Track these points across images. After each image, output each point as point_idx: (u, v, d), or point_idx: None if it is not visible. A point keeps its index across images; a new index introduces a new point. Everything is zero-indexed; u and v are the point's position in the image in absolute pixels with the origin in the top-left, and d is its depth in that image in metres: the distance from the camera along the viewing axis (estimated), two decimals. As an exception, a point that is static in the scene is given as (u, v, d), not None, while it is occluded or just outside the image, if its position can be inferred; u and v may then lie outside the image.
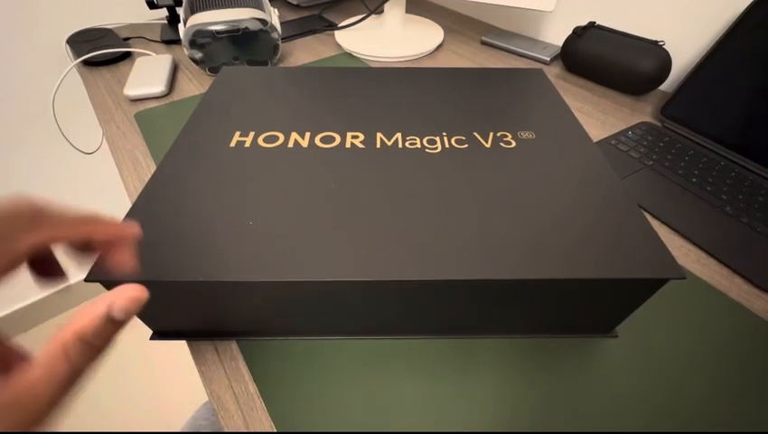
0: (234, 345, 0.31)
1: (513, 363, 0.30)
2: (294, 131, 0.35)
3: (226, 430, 0.27)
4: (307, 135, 0.35)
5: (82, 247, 0.19)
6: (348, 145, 0.34)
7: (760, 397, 0.28)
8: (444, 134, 0.36)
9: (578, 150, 0.34)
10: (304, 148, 0.33)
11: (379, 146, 0.34)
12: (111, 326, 0.16)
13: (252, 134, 0.35)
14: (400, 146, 0.34)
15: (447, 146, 0.34)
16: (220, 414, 0.27)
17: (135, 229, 0.21)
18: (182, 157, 0.32)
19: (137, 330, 0.32)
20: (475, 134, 0.36)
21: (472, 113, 0.39)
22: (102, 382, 1.05)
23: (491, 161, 0.33)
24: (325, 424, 0.27)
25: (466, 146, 0.34)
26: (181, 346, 0.32)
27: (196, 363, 0.30)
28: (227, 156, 0.32)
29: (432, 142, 0.35)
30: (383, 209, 0.28)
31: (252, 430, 0.27)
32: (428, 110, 0.39)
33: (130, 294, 0.16)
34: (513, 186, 0.30)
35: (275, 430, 0.27)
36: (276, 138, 0.35)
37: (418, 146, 0.34)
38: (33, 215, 0.16)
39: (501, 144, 0.35)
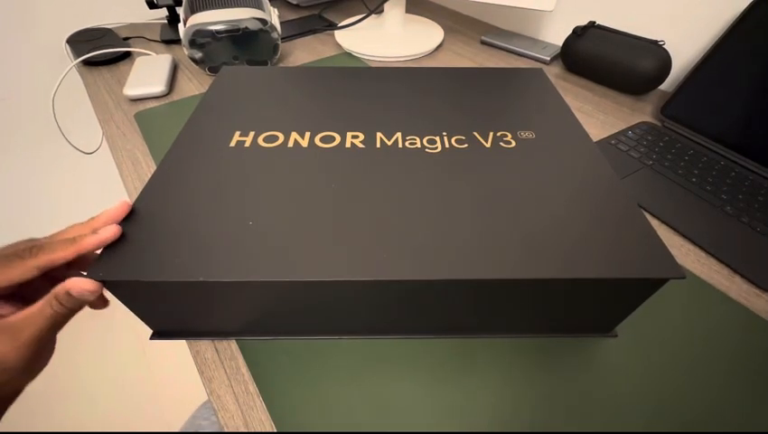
0: (234, 345, 0.31)
1: (513, 363, 0.30)
2: (294, 131, 0.35)
3: (226, 430, 0.27)
4: (307, 135, 0.35)
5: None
6: (348, 144, 0.34)
7: (760, 397, 0.28)
8: (444, 134, 0.36)
9: (578, 150, 0.34)
10: (304, 148, 0.33)
11: (379, 145, 0.34)
12: (70, 298, 0.23)
13: (252, 134, 0.35)
14: (400, 145, 0.34)
15: (447, 145, 0.34)
16: (220, 414, 0.27)
17: (114, 231, 0.25)
18: (182, 157, 0.32)
19: (137, 330, 0.32)
20: (475, 133, 0.36)
21: (472, 113, 0.39)
22: (102, 382, 1.05)
23: (491, 161, 0.33)
24: (325, 424, 0.27)
25: (466, 145, 0.34)
26: (181, 346, 0.32)
27: (196, 363, 0.30)
28: (227, 156, 0.32)
29: (432, 142, 0.35)
30: (383, 209, 0.28)
31: (252, 430, 0.27)
32: (428, 110, 0.39)
33: (83, 285, 0.23)
34: (513, 186, 0.30)
35: (275, 430, 0.27)
36: (276, 138, 0.35)
37: (418, 145, 0.34)
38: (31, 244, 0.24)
39: (501, 143, 0.35)
